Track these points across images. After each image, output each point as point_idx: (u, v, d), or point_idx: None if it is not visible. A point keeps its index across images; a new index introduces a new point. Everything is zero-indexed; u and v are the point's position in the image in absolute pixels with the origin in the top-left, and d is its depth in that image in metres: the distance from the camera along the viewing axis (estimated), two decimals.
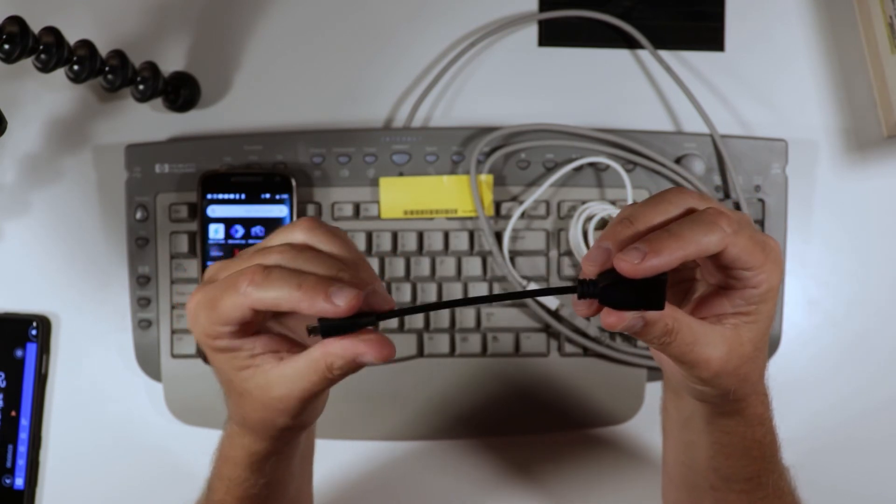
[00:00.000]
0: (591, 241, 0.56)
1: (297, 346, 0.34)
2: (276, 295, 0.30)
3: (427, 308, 0.31)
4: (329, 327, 0.30)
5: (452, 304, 0.32)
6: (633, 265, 0.29)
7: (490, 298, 0.33)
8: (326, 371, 0.31)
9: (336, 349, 0.31)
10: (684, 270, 0.37)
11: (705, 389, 0.35)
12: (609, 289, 0.30)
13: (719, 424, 0.38)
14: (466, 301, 0.31)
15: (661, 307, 0.30)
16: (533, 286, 0.56)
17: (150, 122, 0.60)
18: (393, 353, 0.31)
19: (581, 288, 0.31)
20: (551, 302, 0.56)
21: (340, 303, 0.29)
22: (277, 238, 0.34)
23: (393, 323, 0.57)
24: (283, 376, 0.32)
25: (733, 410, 0.37)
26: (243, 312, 0.31)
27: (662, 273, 0.30)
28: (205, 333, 0.32)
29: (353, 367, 0.31)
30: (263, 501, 0.40)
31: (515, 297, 0.32)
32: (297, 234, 0.33)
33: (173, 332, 0.57)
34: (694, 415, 0.40)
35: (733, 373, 0.34)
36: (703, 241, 0.30)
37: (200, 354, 0.57)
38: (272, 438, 0.36)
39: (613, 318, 0.30)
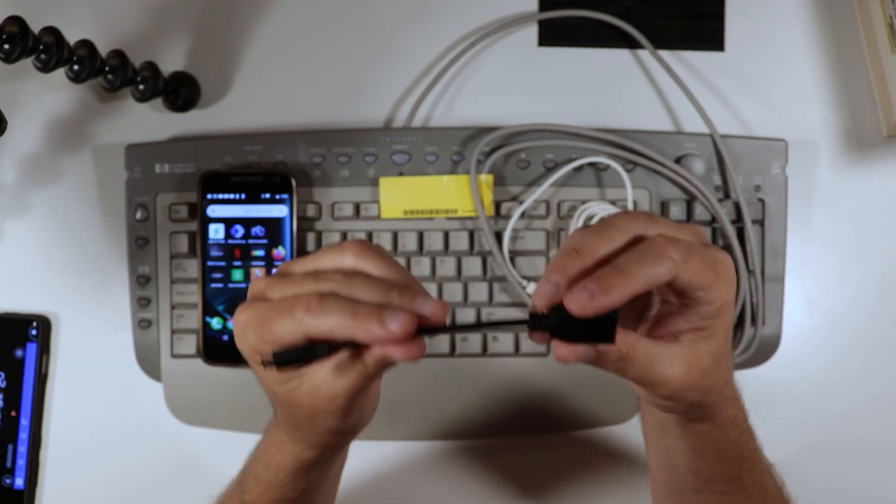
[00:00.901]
0: None
1: None
2: (331, 323, 0.30)
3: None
4: (283, 360, 0.31)
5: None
6: (582, 305, 0.29)
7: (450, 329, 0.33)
8: (362, 368, 0.32)
9: (367, 354, 0.31)
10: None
11: (669, 405, 0.36)
12: (560, 324, 0.30)
13: (692, 429, 0.39)
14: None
15: (611, 341, 0.30)
16: (533, 287, 0.56)
17: (150, 122, 0.60)
18: (421, 352, 0.31)
19: (532, 321, 0.31)
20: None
21: (395, 328, 0.30)
22: (327, 260, 0.34)
23: None
24: (327, 378, 0.33)
25: (703, 416, 0.37)
26: (295, 338, 0.31)
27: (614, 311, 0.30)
28: (253, 349, 0.33)
29: (384, 364, 0.32)
30: None
31: (467, 331, 0.33)
32: (348, 259, 0.33)
33: (173, 332, 0.57)
34: (667, 421, 0.40)
35: (694, 387, 0.34)
36: (651, 274, 0.30)
37: (201, 354, 0.57)
38: (323, 446, 0.37)
39: (565, 352, 0.31)
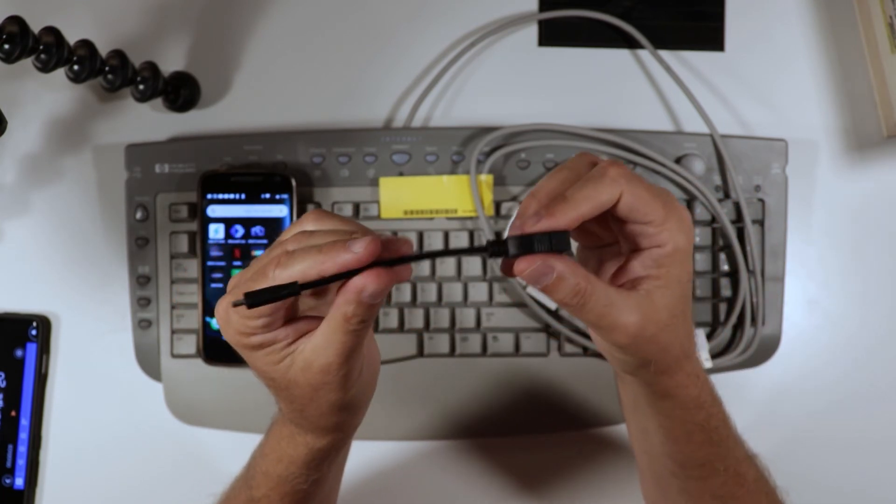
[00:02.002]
0: None
1: None
2: (301, 267, 0.31)
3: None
4: (254, 300, 0.31)
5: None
6: (529, 227, 0.31)
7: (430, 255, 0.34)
8: (346, 323, 0.32)
9: (341, 298, 0.32)
10: (603, 239, 0.38)
11: (626, 358, 0.36)
12: (515, 241, 0.32)
13: (658, 407, 0.39)
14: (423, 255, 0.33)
15: (567, 249, 0.32)
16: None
17: (150, 122, 0.60)
18: (389, 278, 0.31)
19: (491, 248, 0.32)
20: (551, 302, 0.56)
21: (359, 249, 0.31)
22: (290, 231, 0.35)
23: (393, 323, 0.57)
24: (316, 347, 0.33)
25: (664, 391, 0.38)
26: None
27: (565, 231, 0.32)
28: (238, 332, 0.33)
29: (364, 308, 0.32)
30: (305, 498, 0.41)
31: (426, 258, 0.35)
32: (307, 224, 0.34)
33: (173, 332, 0.57)
34: (638, 399, 0.41)
35: (651, 339, 0.34)
36: (595, 197, 0.32)
37: (201, 354, 0.57)
38: (332, 428, 0.38)
39: (524, 264, 0.32)
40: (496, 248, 0.32)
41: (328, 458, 0.40)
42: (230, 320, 0.33)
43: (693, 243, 0.35)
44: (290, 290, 0.31)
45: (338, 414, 0.36)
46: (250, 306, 0.31)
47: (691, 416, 0.39)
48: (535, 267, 0.32)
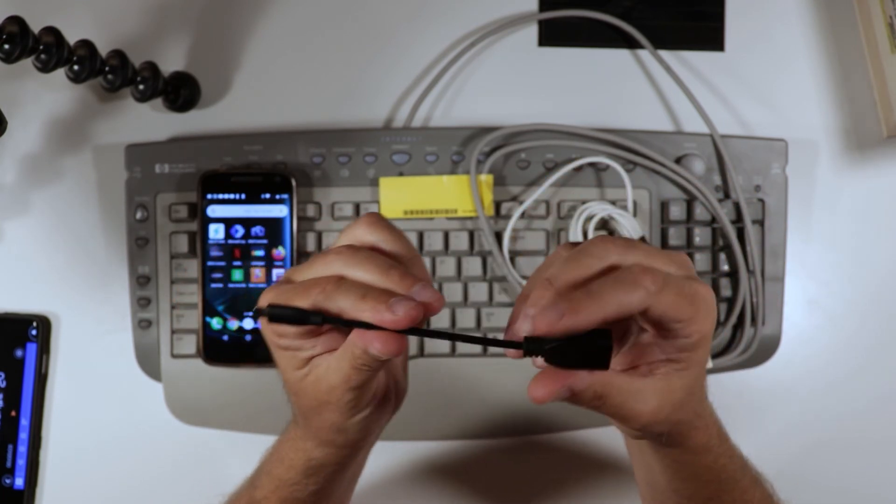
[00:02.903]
0: None
1: None
2: (342, 304, 0.32)
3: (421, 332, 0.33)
4: (276, 314, 0.32)
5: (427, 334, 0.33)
6: (550, 324, 0.29)
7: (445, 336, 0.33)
8: (353, 359, 0.33)
9: (354, 337, 0.32)
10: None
11: (639, 435, 0.36)
12: (555, 349, 0.30)
13: (664, 453, 0.39)
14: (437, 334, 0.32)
15: (605, 366, 0.30)
16: None
17: (150, 122, 0.60)
18: (398, 348, 0.32)
19: (527, 345, 0.31)
20: None
21: (401, 314, 0.31)
22: (344, 237, 0.36)
23: None
24: (328, 368, 0.34)
25: (673, 443, 0.37)
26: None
27: (606, 333, 0.30)
28: (272, 330, 0.34)
29: (368, 357, 0.32)
30: None
31: (464, 340, 0.33)
32: (360, 231, 0.36)
33: (173, 332, 0.57)
34: (642, 443, 0.40)
35: (665, 420, 0.34)
36: (623, 302, 0.30)
37: (201, 354, 0.57)
38: (331, 444, 0.38)
39: (541, 392, 0.30)
40: (533, 346, 0.31)
41: (326, 470, 0.40)
42: None
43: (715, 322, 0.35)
44: (312, 321, 0.32)
45: (337, 434, 0.37)
46: (271, 320, 0.33)
47: (699, 460, 0.38)
48: (554, 393, 0.31)
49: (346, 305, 0.32)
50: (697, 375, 0.34)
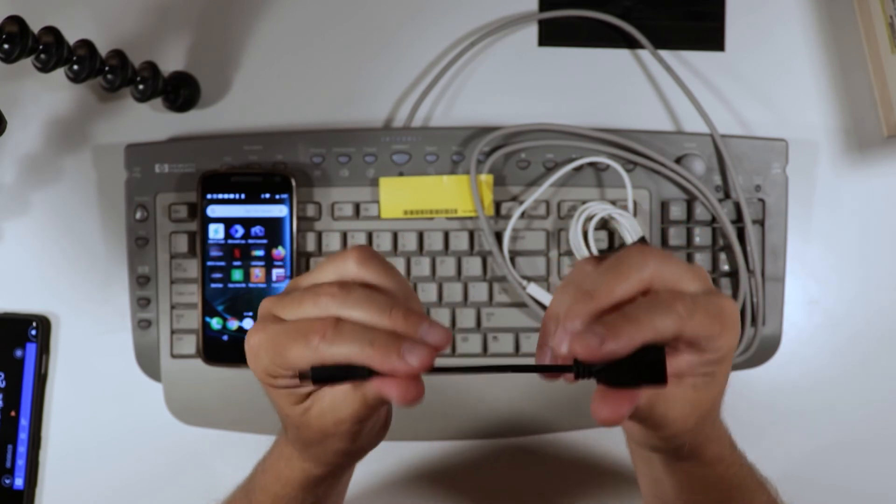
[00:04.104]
0: (591, 242, 0.56)
1: None
2: (347, 351, 0.30)
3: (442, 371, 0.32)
4: (321, 377, 0.31)
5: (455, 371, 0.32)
6: (590, 350, 0.29)
7: (490, 370, 0.33)
8: (363, 398, 0.32)
9: (368, 384, 0.32)
10: None
11: (660, 444, 0.36)
12: (606, 370, 0.30)
13: (676, 467, 0.39)
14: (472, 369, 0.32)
15: (663, 381, 0.30)
16: (533, 287, 0.56)
17: (150, 122, 0.60)
18: (415, 397, 0.31)
19: (577, 369, 0.30)
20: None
21: (414, 361, 0.30)
22: (329, 269, 0.33)
23: None
24: (334, 402, 0.33)
25: (692, 456, 0.38)
26: (311, 363, 0.31)
27: (658, 348, 0.30)
28: (266, 373, 0.33)
29: (383, 400, 0.32)
30: None
31: (512, 371, 0.32)
32: (350, 267, 0.33)
33: (173, 332, 0.57)
34: (653, 457, 0.40)
35: (691, 430, 0.34)
36: (658, 327, 0.30)
37: (200, 354, 0.57)
38: (331, 464, 0.38)
39: (609, 414, 0.30)
40: (583, 370, 0.30)
41: (325, 484, 0.40)
42: (259, 359, 0.33)
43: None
44: (360, 375, 0.31)
45: (340, 457, 0.37)
46: (315, 382, 0.31)
47: (712, 471, 0.38)
48: (622, 414, 0.30)
49: (352, 352, 0.30)
50: (721, 389, 0.35)
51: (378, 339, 0.30)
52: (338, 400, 0.33)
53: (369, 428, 0.36)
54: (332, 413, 0.33)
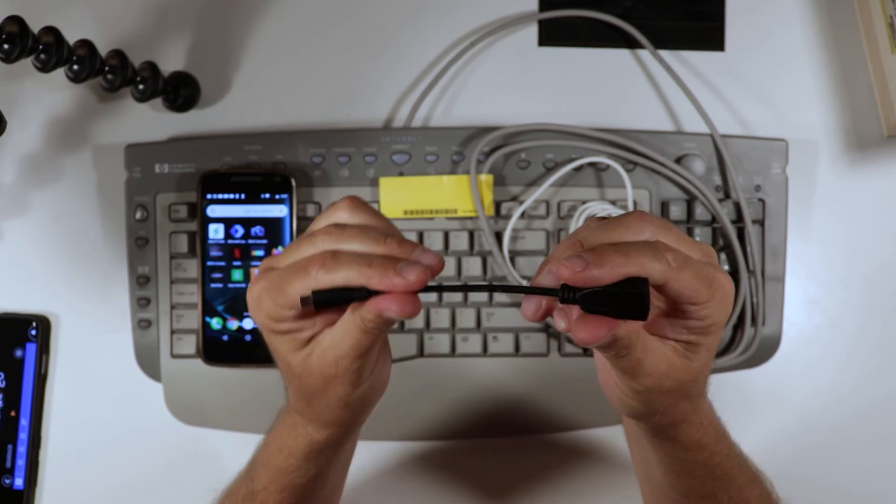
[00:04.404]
0: None
1: None
2: (346, 275, 0.32)
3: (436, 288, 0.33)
4: (322, 299, 0.32)
5: (446, 289, 0.33)
6: (573, 272, 0.30)
7: (478, 288, 0.34)
8: (362, 324, 0.33)
9: (364, 306, 0.32)
10: None
11: (636, 405, 0.36)
12: (590, 296, 0.30)
13: (659, 446, 0.39)
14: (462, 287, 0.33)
15: (644, 317, 0.30)
16: None
17: (149, 122, 0.60)
18: (413, 311, 0.32)
19: (563, 293, 0.31)
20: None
21: (412, 278, 0.31)
22: (322, 221, 0.35)
23: None
24: (333, 339, 0.34)
25: (665, 435, 0.38)
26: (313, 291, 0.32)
27: (643, 282, 0.30)
28: (269, 316, 0.34)
29: (382, 321, 0.32)
30: (304, 493, 0.41)
31: (502, 290, 0.33)
32: (342, 215, 0.35)
33: (173, 332, 0.57)
34: (640, 434, 0.41)
35: (666, 392, 0.34)
36: (646, 265, 0.30)
37: (200, 354, 0.57)
38: (335, 423, 0.38)
39: (587, 335, 0.30)
40: (569, 292, 0.30)
41: (326, 453, 0.40)
42: (262, 304, 0.34)
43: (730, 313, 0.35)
44: (359, 295, 0.32)
45: (343, 409, 0.37)
46: (317, 306, 0.32)
47: (693, 456, 0.39)
48: (600, 338, 0.30)
49: (351, 275, 0.31)
50: (704, 364, 0.35)
51: (375, 261, 0.32)
52: (337, 337, 0.34)
53: (368, 371, 0.36)
54: (333, 350, 0.34)
